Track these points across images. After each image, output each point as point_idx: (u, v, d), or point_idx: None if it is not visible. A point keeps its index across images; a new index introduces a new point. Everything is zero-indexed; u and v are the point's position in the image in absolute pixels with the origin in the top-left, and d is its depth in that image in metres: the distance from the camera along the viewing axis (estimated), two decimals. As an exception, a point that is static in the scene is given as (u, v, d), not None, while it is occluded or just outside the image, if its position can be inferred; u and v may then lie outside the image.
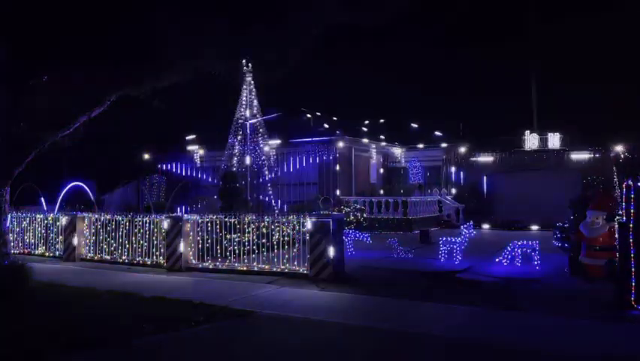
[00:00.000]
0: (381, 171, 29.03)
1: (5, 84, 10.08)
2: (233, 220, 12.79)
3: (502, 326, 7.74)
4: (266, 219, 13.32)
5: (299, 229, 12.17)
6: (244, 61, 19.82)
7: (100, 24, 9.69)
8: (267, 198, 23.59)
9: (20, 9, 9.59)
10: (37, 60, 9.94)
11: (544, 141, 27.33)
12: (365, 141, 27.76)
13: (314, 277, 11.12)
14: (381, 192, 27.38)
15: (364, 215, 21.93)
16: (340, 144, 25.31)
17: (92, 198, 18.60)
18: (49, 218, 15.50)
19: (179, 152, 29.19)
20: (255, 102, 25.38)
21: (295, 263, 11.70)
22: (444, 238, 13.92)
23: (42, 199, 19.10)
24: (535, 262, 12.50)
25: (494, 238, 19.34)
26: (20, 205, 16.95)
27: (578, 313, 8.33)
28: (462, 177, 27.99)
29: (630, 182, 8.50)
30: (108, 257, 14.07)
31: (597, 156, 24.84)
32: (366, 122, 31.49)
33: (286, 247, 12.16)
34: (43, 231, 15.59)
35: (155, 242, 13.32)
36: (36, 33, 9.65)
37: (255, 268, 12.02)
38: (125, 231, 13.92)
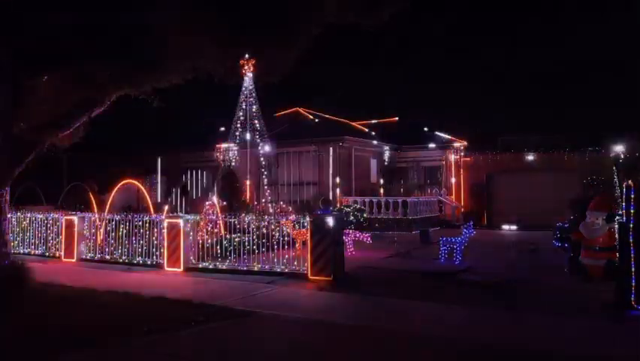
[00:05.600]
0: (382, 171, 29.02)
1: (5, 84, 10.08)
2: (233, 220, 12.80)
3: (502, 326, 7.74)
4: (266, 219, 13.31)
5: (299, 229, 12.17)
6: (244, 61, 19.81)
7: (100, 24, 9.69)
8: (266, 198, 23.57)
9: (21, 9, 9.59)
10: (37, 60, 9.93)
11: (544, 140, 27.29)
12: (365, 140, 27.75)
13: (314, 277, 11.12)
14: (382, 192, 27.37)
15: (364, 215, 21.92)
16: (340, 144, 25.30)
17: (92, 198, 18.57)
18: (50, 218, 15.50)
19: (180, 151, 29.18)
20: (255, 102, 25.40)
21: (295, 263, 11.70)
22: (444, 238, 13.92)
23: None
24: (535, 262, 12.51)
25: (494, 238, 19.35)
26: (20, 205, 16.95)
27: (578, 313, 8.33)
28: (462, 177, 27.99)
29: (630, 182, 8.51)
30: (108, 257, 14.07)
31: (597, 156, 24.83)
32: (366, 122, 31.49)
33: (286, 247, 12.16)
34: (43, 231, 15.59)
35: (155, 242, 13.32)
36: (36, 33, 9.65)
37: (255, 268, 12.02)
38: (125, 231, 13.93)
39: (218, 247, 12.87)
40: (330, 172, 25.15)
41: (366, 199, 23.47)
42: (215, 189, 21.02)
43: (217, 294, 9.91)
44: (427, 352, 6.65)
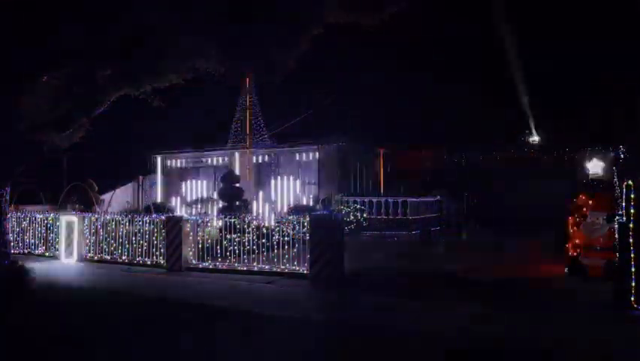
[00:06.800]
0: (382, 171, 29.01)
1: (5, 84, 10.08)
2: (233, 220, 12.80)
3: (501, 325, 7.73)
4: (266, 219, 13.30)
5: (299, 229, 12.16)
6: (243, 62, 19.79)
7: (100, 24, 9.70)
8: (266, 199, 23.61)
9: (20, 9, 9.60)
10: (37, 60, 9.94)
11: (544, 140, 27.31)
12: (365, 141, 27.72)
13: (314, 277, 11.10)
14: (382, 192, 27.34)
15: (364, 215, 21.92)
16: (340, 145, 25.29)
17: (92, 198, 18.58)
18: (49, 218, 15.49)
19: (179, 151, 29.16)
20: (256, 102, 25.42)
21: (295, 263, 11.69)
22: (444, 238, 13.93)
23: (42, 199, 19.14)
24: (536, 262, 12.50)
25: (494, 238, 19.32)
26: (20, 205, 16.93)
27: (578, 313, 8.34)
28: (462, 177, 27.96)
29: (630, 182, 8.50)
30: (108, 257, 14.05)
31: (597, 155, 24.80)
32: (367, 122, 31.40)
33: (286, 247, 12.15)
34: (43, 231, 15.58)
35: (155, 242, 13.31)
36: (36, 33, 9.65)
37: (255, 268, 12.01)
38: (125, 231, 13.91)
39: (218, 247, 12.86)
40: (331, 172, 25.13)
41: (366, 199, 23.46)
42: (216, 190, 21.03)
43: (217, 294, 9.91)
44: (427, 351, 6.65)
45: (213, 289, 10.52)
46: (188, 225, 12.87)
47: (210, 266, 12.50)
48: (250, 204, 19.45)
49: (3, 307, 8.64)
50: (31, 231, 15.84)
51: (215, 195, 20.35)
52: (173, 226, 12.83)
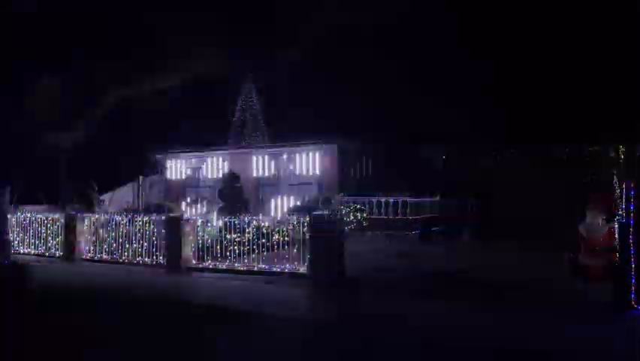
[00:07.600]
0: (383, 171, 29.00)
1: (5, 84, 10.09)
2: (233, 220, 12.81)
3: (502, 326, 7.74)
4: (266, 219, 13.31)
5: (299, 229, 12.16)
6: (243, 62, 19.82)
7: (99, 25, 9.71)
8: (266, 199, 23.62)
9: (21, 10, 9.61)
10: (37, 60, 9.95)
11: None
12: (365, 141, 27.74)
13: (314, 277, 11.11)
14: (382, 192, 27.33)
15: (365, 215, 21.92)
16: (341, 145, 25.30)
17: (92, 198, 18.59)
18: (49, 218, 15.49)
19: (179, 152, 29.19)
20: (255, 102, 25.44)
21: (295, 263, 11.70)
22: (445, 239, 13.92)
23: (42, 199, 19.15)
24: (535, 262, 12.50)
25: (494, 238, 19.34)
26: (20, 205, 16.93)
27: (578, 313, 8.33)
28: (463, 177, 27.94)
29: (630, 182, 8.50)
30: (108, 257, 14.06)
31: (597, 156, 24.80)
32: (367, 121, 31.40)
33: (286, 247, 12.15)
34: (43, 231, 15.59)
35: (155, 242, 13.31)
36: (36, 33, 9.67)
37: (255, 268, 12.01)
38: (125, 231, 13.92)
39: (218, 247, 12.87)
40: (331, 172, 25.15)
41: (367, 199, 23.46)
42: (217, 190, 21.04)
43: (217, 294, 9.91)
44: (427, 352, 6.65)
45: (213, 289, 10.53)
46: (188, 225, 12.87)
47: (210, 266, 12.50)
48: (250, 204, 19.44)
49: (3, 307, 8.64)
50: (31, 231, 15.85)
51: (217, 196, 20.33)
52: (173, 226, 12.83)
